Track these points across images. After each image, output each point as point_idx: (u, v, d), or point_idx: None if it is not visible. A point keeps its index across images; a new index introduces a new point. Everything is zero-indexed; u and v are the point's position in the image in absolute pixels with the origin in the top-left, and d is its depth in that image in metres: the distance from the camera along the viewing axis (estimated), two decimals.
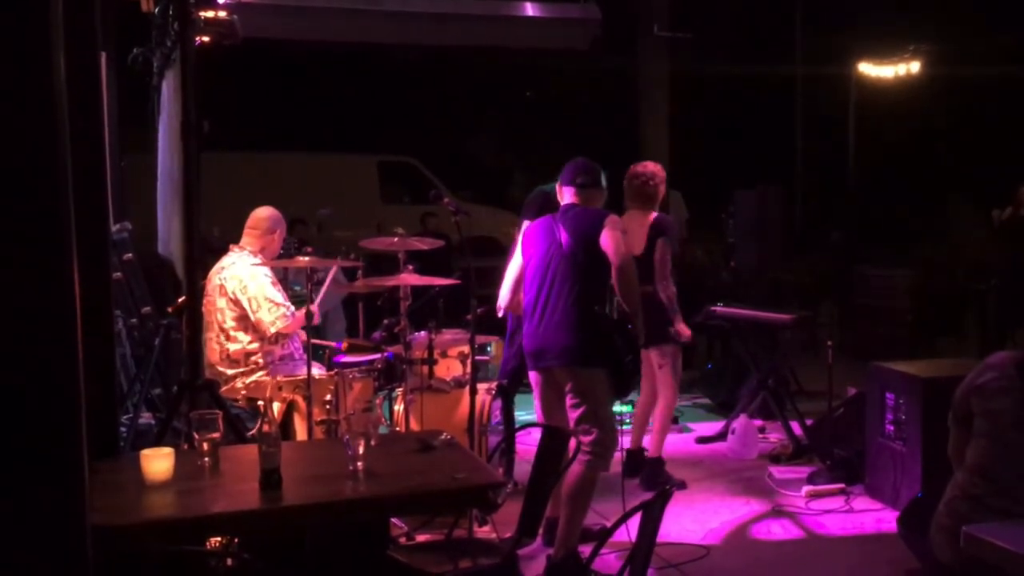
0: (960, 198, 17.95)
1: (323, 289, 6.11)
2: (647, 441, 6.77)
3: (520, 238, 7.12)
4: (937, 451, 4.95)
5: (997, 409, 3.94)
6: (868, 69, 17.08)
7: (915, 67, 16.46)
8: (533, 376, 5.29)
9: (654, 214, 6.50)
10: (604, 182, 5.43)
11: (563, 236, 5.14)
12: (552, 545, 5.11)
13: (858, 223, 17.73)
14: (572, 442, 4.63)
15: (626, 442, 6.89)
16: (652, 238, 6.40)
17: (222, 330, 5.65)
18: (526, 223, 7.20)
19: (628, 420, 7.92)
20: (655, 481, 6.45)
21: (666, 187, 6.71)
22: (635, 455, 6.80)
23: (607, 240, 5.02)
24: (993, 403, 3.96)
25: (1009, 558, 3.03)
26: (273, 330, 5.61)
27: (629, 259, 5.06)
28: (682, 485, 6.59)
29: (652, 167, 6.66)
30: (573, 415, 5.08)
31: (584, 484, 5.02)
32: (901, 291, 11.46)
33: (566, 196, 5.37)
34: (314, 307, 5.57)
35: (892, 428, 6.05)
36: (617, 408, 7.66)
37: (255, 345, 5.67)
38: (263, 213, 5.93)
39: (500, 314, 7.13)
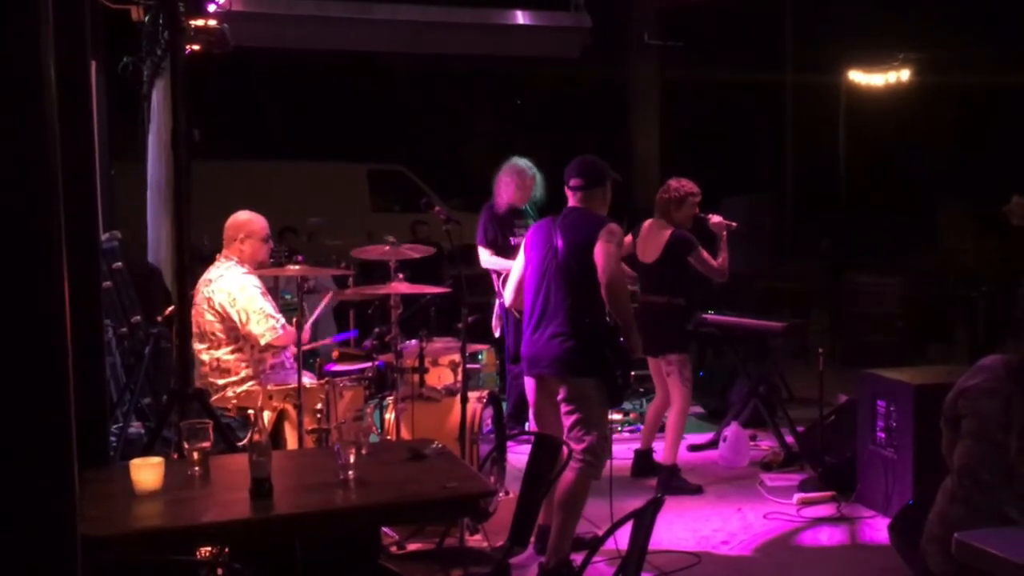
0: (950, 205, 17.97)
1: (318, 309, 6.09)
2: (660, 449, 6.81)
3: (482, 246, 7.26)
4: (928, 458, 4.96)
5: (984, 410, 3.95)
6: (858, 77, 17.12)
7: (905, 75, 16.50)
8: (528, 382, 5.28)
9: (670, 229, 6.55)
10: (607, 178, 5.32)
11: (559, 243, 5.12)
12: (544, 553, 5.10)
13: (848, 230, 17.76)
14: (564, 449, 4.63)
15: (636, 444, 7.13)
16: (673, 255, 6.55)
17: (212, 340, 5.63)
18: (481, 251, 7.29)
19: (620, 428, 8.01)
20: (671, 488, 6.49)
21: (693, 207, 6.72)
22: (643, 456, 6.90)
23: (599, 253, 4.98)
24: (980, 404, 3.97)
25: (1000, 565, 3.03)
26: (263, 341, 5.59)
27: (619, 275, 5.02)
28: (699, 489, 6.64)
29: (674, 182, 6.78)
30: (566, 422, 5.08)
31: (576, 492, 5.02)
32: (892, 298, 11.48)
33: (569, 198, 5.35)
34: (307, 327, 5.57)
35: (883, 435, 6.05)
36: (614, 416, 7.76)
37: (245, 354, 5.65)
38: (228, 222, 5.87)
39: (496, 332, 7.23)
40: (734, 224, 6.80)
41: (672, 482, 6.57)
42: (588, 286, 5.02)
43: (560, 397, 5.08)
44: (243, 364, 5.65)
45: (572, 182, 5.29)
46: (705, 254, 6.57)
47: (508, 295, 5.67)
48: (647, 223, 6.77)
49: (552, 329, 5.07)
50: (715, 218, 6.80)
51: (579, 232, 5.10)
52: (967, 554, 3.19)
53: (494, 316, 7.51)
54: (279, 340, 5.62)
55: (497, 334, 7.49)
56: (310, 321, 5.89)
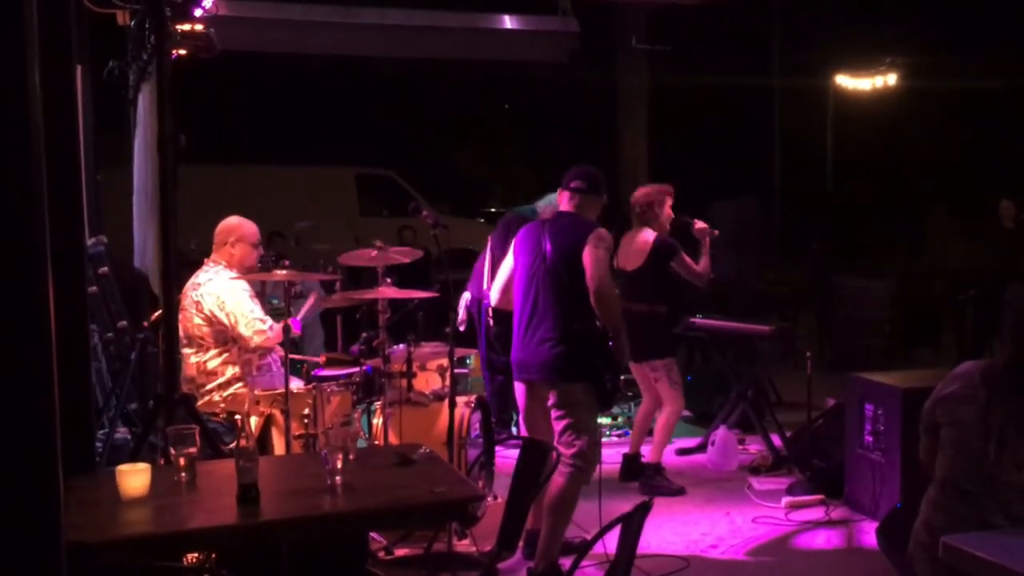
0: (937, 209, 18.06)
1: (304, 308, 6.07)
2: (646, 448, 6.83)
3: (488, 247, 7.25)
4: (916, 461, 4.96)
5: (962, 419, 3.93)
6: (845, 81, 17.20)
7: (891, 79, 16.59)
8: (518, 386, 5.28)
9: (652, 236, 6.56)
10: (604, 190, 5.38)
11: (548, 248, 5.11)
12: (532, 558, 5.09)
13: (837, 234, 17.83)
14: (552, 454, 4.63)
15: (625, 448, 7.15)
16: (655, 262, 6.57)
17: (199, 345, 5.61)
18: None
19: (609, 432, 8.01)
20: (652, 487, 6.51)
21: (663, 208, 6.71)
22: (632, 460, 6.91)
23: (587, 259, 4.97)
24: (957, 413, 3.95)
25: (988, 568, 3.03)
26: (253, 344, 5.58)
27: (606, 281, 4.99)
28: (681, 491, 6.66)
29: (642, 189, 6.82)
30: (556, 427, 5.07)
31: (565, 497, 5.01)
32: (880, 302, 11.51)
33: (563, 201, 5.33)
34: (294, 322, 5.56)
35: (871, 439, 6.06)
36: (603, 420, 7.77)
37: (233, 356, 5.63)
38: (219, 226, 5.86)
39: (462, 326, 7.16)
40: (716, 232, 6.86)
41: (654, 480, 6.60)
42: (577, 291, 5.00)
43: (550, 403, 5.07)
44: (230, 367, 5.63)
45: (572, 184, 5.29)
46: (687, 259, 6.59)
47: (494, 295, 5.67)
48: (627, 235, 6.79)
49: (541, 334, 5.06)
50: (699, 224, 6.83)
51: (568, 237, 5.09)
52: (954, 558, 3.19)
53: (462, 309, 7.49)
54: (268, 342, 5.61)
55: (463, 328, 7.43)
56: (300, 314, 5.88)
